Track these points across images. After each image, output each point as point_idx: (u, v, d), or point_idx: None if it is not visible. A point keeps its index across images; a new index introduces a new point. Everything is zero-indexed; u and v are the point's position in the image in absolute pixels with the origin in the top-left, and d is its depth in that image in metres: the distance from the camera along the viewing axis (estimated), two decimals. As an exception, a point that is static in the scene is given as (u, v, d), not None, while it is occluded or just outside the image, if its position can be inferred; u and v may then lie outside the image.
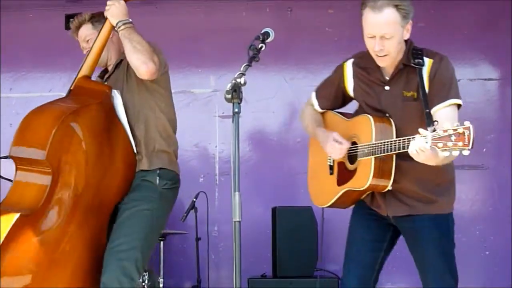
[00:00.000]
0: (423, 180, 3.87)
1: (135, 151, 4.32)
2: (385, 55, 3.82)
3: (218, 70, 7.42)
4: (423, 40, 6.97)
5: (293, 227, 6.32)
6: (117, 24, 4.40)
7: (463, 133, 3.31)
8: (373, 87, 3.97)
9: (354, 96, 4.09)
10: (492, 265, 6.85)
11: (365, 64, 4.01)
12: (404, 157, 3.70)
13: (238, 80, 3.39)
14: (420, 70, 3.83)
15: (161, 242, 6.15)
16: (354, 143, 3.99)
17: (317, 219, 6.24)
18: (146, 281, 5.89)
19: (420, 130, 3.45)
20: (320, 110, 4.26)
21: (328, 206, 4.17)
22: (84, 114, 4.18)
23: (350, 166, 4.00)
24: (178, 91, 7.43)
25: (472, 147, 3.33)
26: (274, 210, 6.47)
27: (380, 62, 3.87)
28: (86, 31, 4.69)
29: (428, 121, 3.63)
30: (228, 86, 3.37)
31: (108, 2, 4.46)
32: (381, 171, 3.82)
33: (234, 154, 3.33)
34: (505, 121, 7.03)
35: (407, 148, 3.56)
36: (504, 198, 6.93)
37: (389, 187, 3.87)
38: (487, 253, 6.90)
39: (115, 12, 4.42)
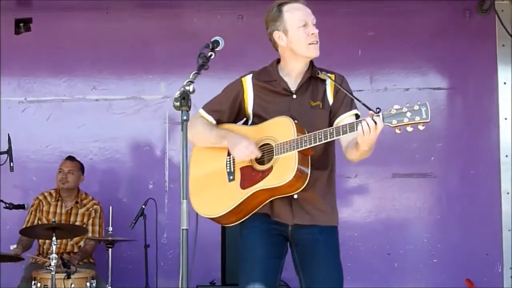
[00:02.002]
0: (325, 191, 4.01)
1: None
2: (317, 42, 3.98)
3: (169, 76, 7.41)
4: (373, 49, 7.11)
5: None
6: None
7: (420, 109, 3.51)
8: (279, 97, 4.04)
9: (252, 109, 4.08)
10: (440, 272, 6.93)
11: (267, 78, 4.10)
12: (315, 165, 3.83)
13: (187, 87, 3.42)
14: (324, 82, 4.02)
15: (109, 249, 6.11)
16: (265, 145, 3.96)
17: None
18: (94, 288, 5.88)
19: (370, 112, 3.62)
20: (213, 121, 4.16)
21: (224, 215, 3.96)
22: None
23: (260, 167, 3.93)
24: (129, 97, 7.46)
25: (430, 121, 3.51)
26: (223, 217, 6.47)
27: (314, 51, 3.99)
28: None
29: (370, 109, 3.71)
30: (177, 94, 3.39)
31: None
32: (301, 169, 3.81)
33: (183, 161, 3.34)
34: (453, 130, 7.14)
35: (349, 131, 3.67)
36: (452, 206, 7.03)
37: (296, 195, 3.90)
38: (435, 260, 6.98)
39: None
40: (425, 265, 6.95)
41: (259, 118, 4.05)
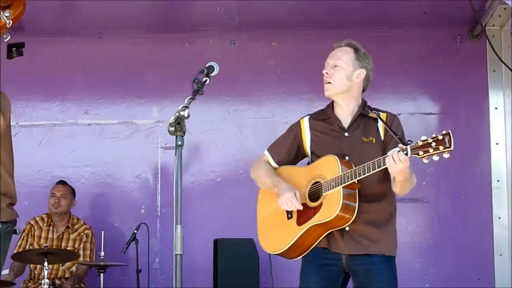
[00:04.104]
0: (379, 222, 4.16)
1: None
2: (328, 82, 4.21)
3: (161, 101, 7.43)
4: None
5: (235, 259, 6.33)
6: None
7: (443, 139, 3.70)
8: (332, 135, 4.25)
9: (310, 147, 4.32)
10: (432, 297, 6.94)
11: (323, 116, 4.32)
12: (364, 198, 4.04)
13: (182, 113, 3.42)
14: (377, 120, 4.19)
15: (101, 274, 6.10)
16: (316, 183, 4.17)
17: (259, 250, 6.27)
18: (85, 313, 5.86)
19: (399, 145, 3.84)
20: (275, 166, 4.41)
21: (286, 250, 4.22)
22: None
23: (313, 204, 4.15)
24: (121, 122, 7.46)
25: (453, 149, 3.70)
26: (216, 242, 6.48)
27: (325, 91, 4.24)
28: None
29: (401, 142, 3.92)
30: (172, 119, 3.40)
31: None
32: (347, 203, 4.02)
33: (177, 187, 3.34)
34: (444, 155, 7.16)
35: (383, 165, 3.87)
36: (443, 231, 7.03)
37: (347, 227, 4.07)
38: (427, 285, 6.98)
39: None
40: (417, 290, 6.95)
41: (315, 157, 4.27)
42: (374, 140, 4.17)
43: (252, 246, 6.19)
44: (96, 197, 7.42)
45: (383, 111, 4.26)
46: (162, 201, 7.37)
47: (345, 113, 4.25)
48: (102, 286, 6.08)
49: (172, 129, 3.39)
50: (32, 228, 6.72)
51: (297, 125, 4.38)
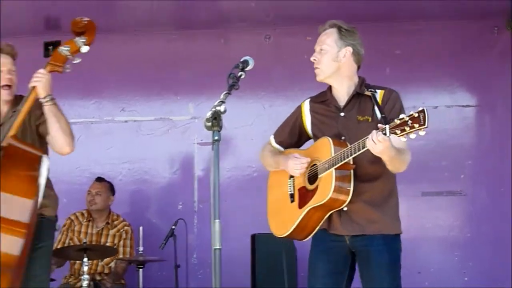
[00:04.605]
0: (378, 201, 4.12)
1: None
2: (316, 68, 4.23)
3: (197, 97, 7.45)
4: (400, 67, 7.10)
5: (272, 254, 6.33)
6: (45, 97, 4.52)
7: (418, 116, 3.59)
8: (330, 115, 4.24)
9: (311, 129, 4.33)
10: (471, 291, 6.89)
11: (322, 98, 4.32)
12: (360, 178, 4.03)
13: (218, 108, 3.41)
14: (374, 97, 4.12)
15: (140, 270, 6.13)
16: (314, 165, 4.17)
17: (296, 245, 6.28)
18: (125, 309, 5.90)
19: (379, 125, 3.76)
20: (277, 147, 4.46)
21: (291, 233, 4.23)
22: None
23: (310, 186, 4.16)
24: (157, 118, 7.50)
25: (427, 126, 3.57)
26: (253, 237, 6.49)
27: (316, 74, 4.24)
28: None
29: (384, 121, 3.85)
30: (208, 114, 3.39)
31: (38, 74, 4.52)
32: (340, 184, 4.01)
33: (214, 182, 3.35)
34: (482, 147, 7.12)
35: (364, 146, 3.83)
36: (482, 224, 6.99)
37: (345, 207, 4.06)
38: (466, 279, 6.94)
39: (46, 85, 4.52)
40: (456, 284, 6.89)
41: (316, 138, 4.27)
42: (370, 118, 4.11)
43: (289, 240, 6.19)
44: (134, 193, 7.47)
45: (381, 88, 4.20)
46: (199, 197, 7.40)
47: (341, 94, 4.22)
48: (141, 281, 6.11)
49: (209, 124, 3.39)
50: (72, 223, 6.77)
51: (298, 108, 4.40)
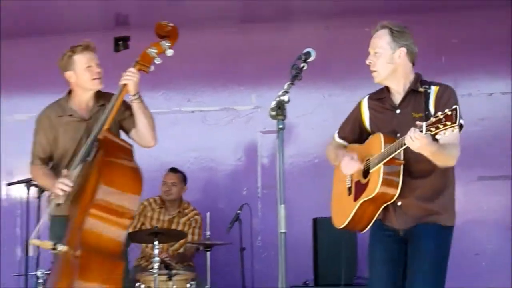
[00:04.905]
0: (431, 196, 4.10)
1: None
2: (373, 71, 4.19)
3: (259, 88, 7.48)
4: (457, 55, 7.02)
5: (333, 237, 6.32)
6: (135, 95, 4.75)
7: (451, 114, 3.53)
8: (386, 113, 4.23)
9: (369, 125, 4.33)
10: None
11: (379, 96, 4.31)
12: (411, 174, 4.03)
13: (282, 97, 3.44)
14: (428, 94, 4.08)
15: (208, 253, 6.18)
16: (368, 160, 4.19)
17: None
18: (194, 290, 5.95)
19: (417, 122, 3.70)
20: (341, 142, 4.51)
21: (347, 225, 4.27)
22: None
23: (364, 180, 4.18)
24: (222, 108, 7.55)
25: (457, 124, 3.52)
26: (315, 220, 6.50)
27: (373, 77, 4.21)
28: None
29: (425, 118, 3.80)
30: (273, 104, 3.42)
31: (129, 72, 4.74)
32: (389, 179, 4.02)
33: (280, 168, 3.38)
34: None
35: (401, 146, 3.84)
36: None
37: (396, 199, 4.06)
38: (512, 265, 6.86)
39: (136, 83, 4.74)
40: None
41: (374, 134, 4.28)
42: (424, 115, 4.03)
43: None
44: (201, 180, 7.53)
45: (436, 84, 4.13)
46: (263, 183, 7.44)
47: (397, 92, 4.19)
48: (208, 263, 6.16)
49: (274, 113, 3.41)
50: (146, 208, 6.85)
51: (358, 105, 4.40)
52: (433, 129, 3.58)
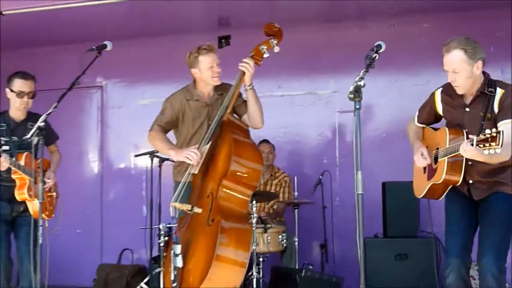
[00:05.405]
0: (490, 172, 4.03)
1: None
2: (456, 86, 4.07)
3: (337, 75, 7.43)
4: (501, 49, 6.78)
5: (399, 198, 6.26)
6: (250, 84, 4.75)
7: (496, 136, 3.48)
8: (456, 108, 4.16)
9: (443, 114, 4.28)
10: None
11: (451, 92, 4.19)
12: (472, 160, 3.90)
13: (359, 83, 3.41)
14: (493, 97, 3.98)
15: (295, 210, 6.19)
16: (437, 149, 4.18)
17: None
18: (284, 240, 5.95)
19: (470, 135, 3.71)
20: (419, 125, 4.46)
21: (424, 196, 4.28)
22: None
23: (434, 166, 4.17)
24: (305, 93, 7.53)
25: (501, 146, 3.47)
26: (383, 184, 6.43)
27: (456, 90, 4.10)
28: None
29: (479, 129, 3.81)
30: (351, 88, 3.39)
31: (249, 63, 4.74)
32: (452, 169, 4.02)
33: (356, 141, 3.38)
34: None
35: (454, 152, 3.87)
36: None
37: (467, 178, 4.05)
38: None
39: (252, 74, 4.75)
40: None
41: (448, 122, 4.25)
42: (490, 115, 3.95)
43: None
44: (289, 151, 7.54)
45: (503, 87, 3.99)
46: (340, 153, 7.39)
47: (470, 93, 4.09)
48: (296, 219, 6.18)
49: (352, 96, 3.39)
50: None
51: (432, 96, 4.31)
52: (481, 145, 3.53)
